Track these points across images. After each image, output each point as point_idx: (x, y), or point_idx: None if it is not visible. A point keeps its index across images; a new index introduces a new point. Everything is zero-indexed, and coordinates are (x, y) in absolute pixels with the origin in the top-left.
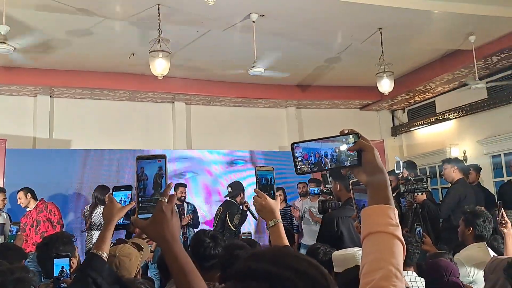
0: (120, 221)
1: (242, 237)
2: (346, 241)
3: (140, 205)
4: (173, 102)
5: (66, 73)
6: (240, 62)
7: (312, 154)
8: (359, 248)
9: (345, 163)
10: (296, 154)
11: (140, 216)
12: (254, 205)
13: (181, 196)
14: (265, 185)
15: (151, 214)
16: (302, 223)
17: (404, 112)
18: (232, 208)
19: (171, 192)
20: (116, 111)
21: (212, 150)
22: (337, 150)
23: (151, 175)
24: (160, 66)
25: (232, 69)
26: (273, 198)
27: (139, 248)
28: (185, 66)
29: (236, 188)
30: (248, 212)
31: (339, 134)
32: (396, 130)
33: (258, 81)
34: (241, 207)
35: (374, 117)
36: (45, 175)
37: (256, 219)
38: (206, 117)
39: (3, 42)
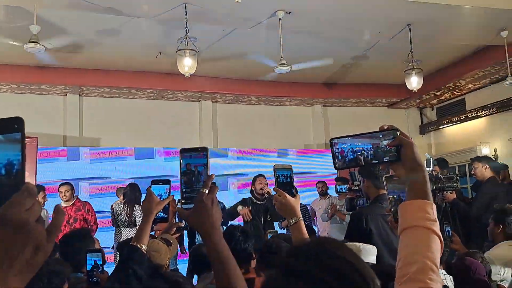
0: (158, 215)
1: (269, 235)
2: (375, 238)
3: (185, 195)
4: (199, 101)
5: (95, 72)
6: (266, 61)
7: (350, 150)
8: (365, 245)
9: (384, 158)
10: (334, 149)
11: (184, 206)
12: (274, 204)
13: None
14: (284, 183)
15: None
16: (330, 221)
17: (433, 110)
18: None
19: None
20: (143, 110)
21: (238, 148)
22: (375, 146)
23: (194, 167)
24: (187, 65)
25: (258, 67)
26: (293, 196)
27: (168, 243)
28: (212, 65)
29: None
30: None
31: (378, 130)
32: (424, 128)
33: (284, 79)
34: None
35: (402, 115)
36: (75, 172)
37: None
38: (232, 116)
39: (34, 42)
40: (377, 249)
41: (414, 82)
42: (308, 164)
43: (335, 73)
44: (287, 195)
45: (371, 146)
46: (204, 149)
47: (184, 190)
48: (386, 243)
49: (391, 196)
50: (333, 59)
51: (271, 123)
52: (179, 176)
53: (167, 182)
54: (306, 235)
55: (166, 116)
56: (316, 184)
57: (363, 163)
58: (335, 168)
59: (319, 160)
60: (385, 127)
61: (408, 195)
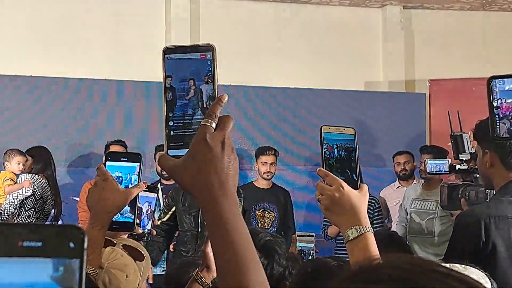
0: (119, 216)
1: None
2: (500, 262)
3: (172, 133)
4: None
5: None
6: None
7: None
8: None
9: None
10: (495, 101)
11: (171, 153)
12: (319, 200)
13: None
14: (339, 162)
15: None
16: (408, 231)
17: None
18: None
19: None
20: (58, 8)
21: (241, 85)
22: None
23: (189, 80)
24: None
25: None
26: (356, 187)
27: (138, 256)
28: None
29: None
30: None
31: None
32: None
33: None
34: None
35: None
36: None
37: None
38: (229, 23)
39: None
40: (506, 282)
41: None
42: (372, 120)
43: None
44: (345, 185)
45: None
46: (209, 48)
47: (171, 124)
48: None
49: None
50: None
51: (302, 40)
52: (163, 104)
53: (137, 157)
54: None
55: (104, 21)
56: (394, 157)
57: None
58: (494, 136)
59: (394, 112)
60: None
61: None
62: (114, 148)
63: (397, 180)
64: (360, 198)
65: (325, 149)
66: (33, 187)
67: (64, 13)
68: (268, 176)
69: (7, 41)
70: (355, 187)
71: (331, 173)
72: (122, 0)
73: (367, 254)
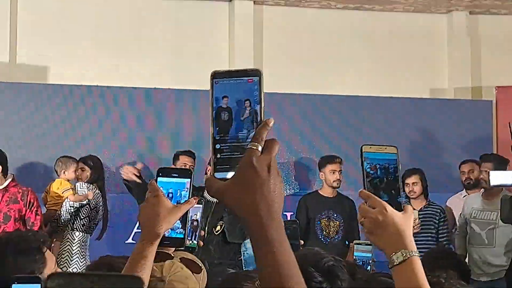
0: (170, 232)
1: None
2: None
3: (219, 156)
4: (230, 0)
5: None
6: None
7: None
8: None
9: None
10: None
11: (218, 175)
12: (361, 223)
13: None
14: (382, 182)
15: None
16: (468, 241)
17: None
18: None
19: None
20: (125, 17)
21: (304, 92)
22: None
23: (238, 104)
24: None
25: None
26: (400, 208)
27: (195, 268)
28: None
29: None
30: None
31: None
32: None
33: None
34: None
35: None
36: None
37: None
38: (292, 30)
39: None
40: None
41: None
42: (437, 128)
43: None
44: (389, 207)
45: None
46: (256, 73)
47: (218, 146)
48: None
49: None
50: None
51: (365, 46)
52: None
53: (187, 173)
54: (426, 284)
55: (166, 30)
56: (460, 166)
57: None
58: None
59: (460, 120)
60: None
61: None
62: (183, 159)
63: (464, 189)
64: (404, 220)
65: (368, 169)
66: None
67: (128, 24)
68: (337, 184)
69: (71, 51)
70: (399, 208)
71: (373, 195)
72: (185, 9)
73: (413, 280)
